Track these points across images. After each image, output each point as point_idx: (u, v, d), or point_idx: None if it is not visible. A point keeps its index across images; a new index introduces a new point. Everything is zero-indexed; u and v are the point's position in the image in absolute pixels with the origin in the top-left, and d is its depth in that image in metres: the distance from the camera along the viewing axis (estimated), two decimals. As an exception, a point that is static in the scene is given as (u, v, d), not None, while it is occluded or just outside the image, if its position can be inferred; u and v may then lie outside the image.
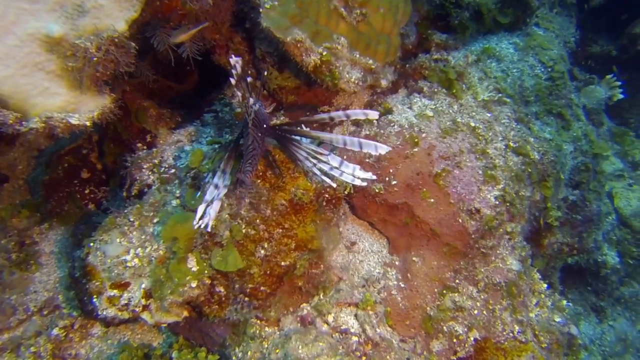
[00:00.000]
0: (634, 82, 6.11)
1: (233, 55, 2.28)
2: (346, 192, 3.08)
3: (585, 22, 5.80)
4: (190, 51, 2.87)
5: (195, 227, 2.23)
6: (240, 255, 2.56)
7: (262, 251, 2.56)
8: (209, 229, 2.24)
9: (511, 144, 3.31)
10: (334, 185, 2.44)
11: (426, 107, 3.32)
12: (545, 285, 3.40)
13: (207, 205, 2.23)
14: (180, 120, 3.57)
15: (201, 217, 2.22)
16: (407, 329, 3.14)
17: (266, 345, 2.58)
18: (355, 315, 2.87)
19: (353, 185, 2.61)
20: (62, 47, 2.36)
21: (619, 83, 5.23)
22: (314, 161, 2.32)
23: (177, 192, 2.92)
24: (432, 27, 3.72)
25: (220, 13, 3.10)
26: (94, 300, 2.59)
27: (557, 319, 3.26)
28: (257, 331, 2.66)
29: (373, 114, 2.17)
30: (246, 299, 2.63)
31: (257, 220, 2.56)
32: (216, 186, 2.25)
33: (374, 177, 2.23)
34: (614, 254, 5.30)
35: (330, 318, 2.81)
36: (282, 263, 2.60)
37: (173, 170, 3.05)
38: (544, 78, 3.56)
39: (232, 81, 2.35)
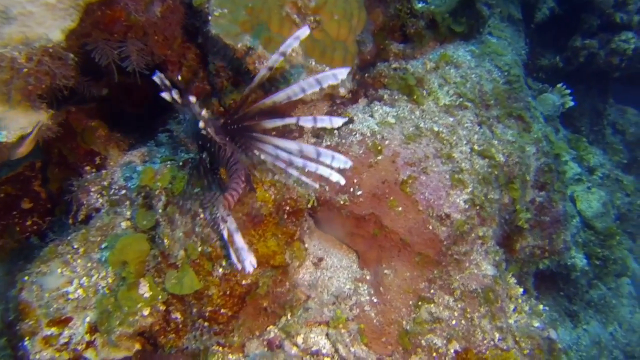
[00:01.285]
0: (581, 92, 6.35)
1: (157, 72, 2.09)
2: (309, 206, 2.93)
3: (532, 37, 6.02)
4: (136, 65, 2.71)
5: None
6: (197, 275, 2.35)
7: (220, 269, 2.36)
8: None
9: (476, 147, 3.27)
10: (316, 185, 2.24)
11: (388, 115, 3.26)
12: (522, 290, 3.30)
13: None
14: (134, 142, 3.37)
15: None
16: (383, 346, 2.96)
17: (230, 375, 2.34)
18: (327, 335, 2.67)
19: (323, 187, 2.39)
20: (-14, 57, 2.17)
21: (569, 91, 5.41)
22: (286, 159, 2.07)
23: (128, 213, 2.70)
24: (389, 37, 3.72)
25: (170, 27, 2.97)
26: (25, 343, 2.28)
27: (536, 324, 3.15)
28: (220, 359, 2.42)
29: (338, 121, 2.03)
30: (205, 323, 2.39)
31: (213, 237, 2.37)
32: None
33: (350, 163, 1.99)
34: (582, 257, 5.32)
35: (299, 339, 2.60)
36: (243, 282, 2.40)
37: (123, 192, 2.83)
38: (501, 82, 3.58)
39: (165, 96, 2.16)
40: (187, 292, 2.32)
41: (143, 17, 2.66)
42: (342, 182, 1.99)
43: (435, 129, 3.22)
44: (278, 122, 2.13)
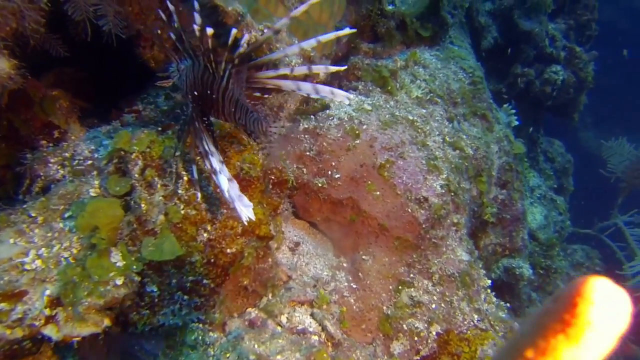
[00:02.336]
0: (520, 115, 6.92)
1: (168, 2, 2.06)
2: (288, 186, 2.84)
3: (481, 62, 6.54)
4: (113, 27, 2.55)
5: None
6: (179, 241, 2.15)
7: (205, 234, 2.18)
8: (225, 194, 1.80)
9: (447, 139, 3.40)
10: (347, 101, 2.15)
11: (364, 102, 3.31)
12: (489, 282, 3.38)
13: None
14: (96, 120, 3.12)
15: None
16: (363, 333, 2.86)
17: (212, 352, 2.11)
18: (312, 314, 2.53)
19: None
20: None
21: (514, 111, 5.87)
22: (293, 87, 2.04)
23: (96, 182, 2.45)
24: (359, 36, 3.84)
25: (148, -4, 2.86)
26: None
27: (502, 315, 3.22)
28: (200, 337, 2.18)
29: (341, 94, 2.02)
30: (185, 296, 2.17)
31: (199, 199, 2.21)
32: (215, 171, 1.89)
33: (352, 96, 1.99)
34: (528, 266, 5.60)
35: (283, 319, 2.43)
36: (228, 250, 2.23)
37: (90, 162, 2.57)
38: (466, 82, 3.81)
39: (173, 36, 2.12)
40: (168, 257, 2.10)
41: (123, -27, 2.54)
42: (347, 100, 1.98)
43: (410, 117, 3.31)
44: (271, 73, 2.08)
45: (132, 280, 2.13)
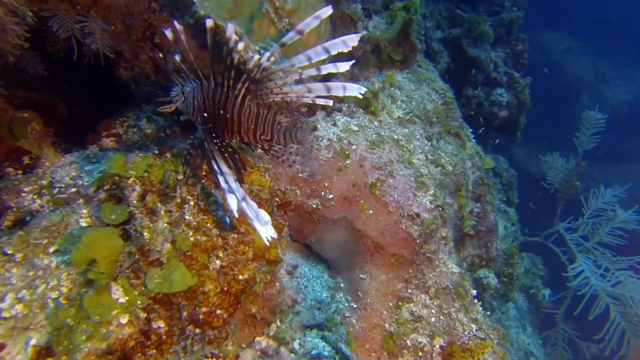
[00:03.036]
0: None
1: (175, 22, 1.97)
2: (292, 208, 2.77)
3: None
4: (101, 45, 2.39)
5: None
6: (189, 270, 2.00)
7: (218, 261, 2.04)
8: (235, 214, 1.70)
9: (429, 156, 3.51)
10: (361, 93, 2.08)
11: (350, 123, 3.35)
12: (475, 292, 3.48)
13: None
14: (70, 145, 2.87)
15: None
16: (367, 353, 2.80)
17: (231, 388, 1.95)
18: (323, 338, 2.44)
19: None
20: None
21: (470, 130, 6.20)
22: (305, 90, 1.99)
23: (84, 211, 2.23)
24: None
25: (132, 16, 2.73)
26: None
27: (491, 323, 3.32)
28: (215, 373, 2.01)
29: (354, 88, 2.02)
30: (197, 330, 2.00)
31: (208, 224, 2.07)
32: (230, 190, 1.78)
33: (364, 89, 1.98)
34: (493, 276, 5.85)
35: (295, 345, 2.33)
36: (240, 277, 2.11)
37: (74, 189, 2.34)
38: (440, 102, 3.98)
39: (177, 58, 2.02)
40: (179, 289, 1.94)
41: (111, -7, 2.41)
42: (363, 90, 1.94)
43: (395, 137, 3.39)
44: (280, 81, 2.02)
45: (138, 317, 1.95)
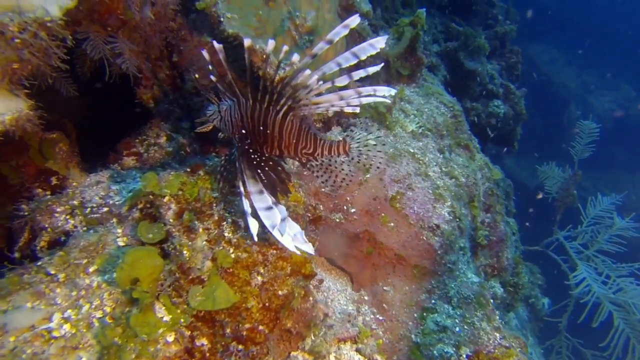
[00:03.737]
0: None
1: (214, 42, 2.01)
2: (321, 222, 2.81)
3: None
4: (130, 65, 2.43)
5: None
6: (231, 287, 2.01)
7: (259, 277, 2.06)
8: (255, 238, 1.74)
9: (443, 169, 3.58)
10: (389, 99, 2.13)
11: (367, 137, 3.40)
12: (492, 301, 3.53)
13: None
14: (90, 165, 2.88)
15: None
16: (394, 365, 2.82)
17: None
18: (357, 350, 2.46)
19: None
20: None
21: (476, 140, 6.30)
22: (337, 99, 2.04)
23: (119, 230, 2.24)
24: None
25: (154, 35, 2.77)
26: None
27: (512, 332, 3.36)
28: (259, 390, 2.01)
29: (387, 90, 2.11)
30: (240, 346, 2.01)
31: (249, 240, 2.10)
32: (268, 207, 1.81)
33: (394, 91, 2.07)
34: (499, 285, 5.90)
35: (332, 358, 2.34)
36: (280, 292, 2.12)
37: (105, 209, 2.35)
38: (449, 116, 4.08)
39: (213, 78, 2.07)
40: (223, 306, 1.96)
41: (138, 15, 2.46)
42: (393, 92, 2.04)
43: (411, 150, 3.46)
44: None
45: (183, 335, 1.95)
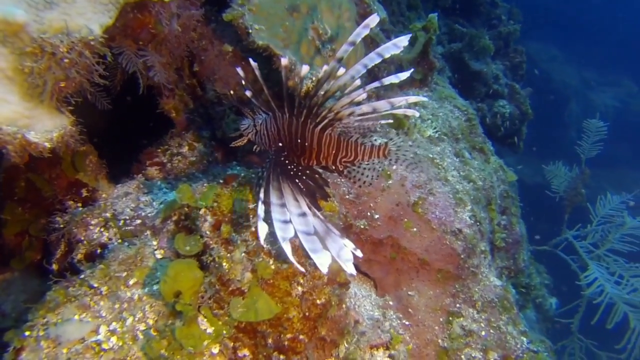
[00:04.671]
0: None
1: (251, 60, 2.04)
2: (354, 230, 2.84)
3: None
4: (161, 77, 2.45)
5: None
6: (272, 298, 2.03)
7: (299, 287, 2.08)
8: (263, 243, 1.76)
9: (461, 173, 3.61)
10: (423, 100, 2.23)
11: (404, 141, 3.43)
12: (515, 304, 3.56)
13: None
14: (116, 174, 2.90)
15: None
16: (423, 370, 2.85)
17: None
18: (390, 357, 2.49)
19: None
20: (21, 39, 1.77)
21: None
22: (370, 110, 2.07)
23: (154, 242, 2.25)
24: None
25: (179, 47, 2.79)
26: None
27: (535, 335, 3.40)
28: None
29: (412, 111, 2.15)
30: (281, 356, 2.03)
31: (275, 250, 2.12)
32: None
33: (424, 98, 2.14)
34: (511, 287, 5.94)
35: (367, 366, 2.37)
36: (318, 301, 2.15)
37: (139, 221, 2.37)
38: (463, 119, 4.11)
39: (248, 93, 2.10)
40: (265, 317, 1.98)
41: (167, 28, 2.48)
42: (424, 99, 2.15)
43: (430, 155, 3.49)
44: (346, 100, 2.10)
45: (227, 346, 1.97)
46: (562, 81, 15.19)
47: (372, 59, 2.05)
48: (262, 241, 1.78)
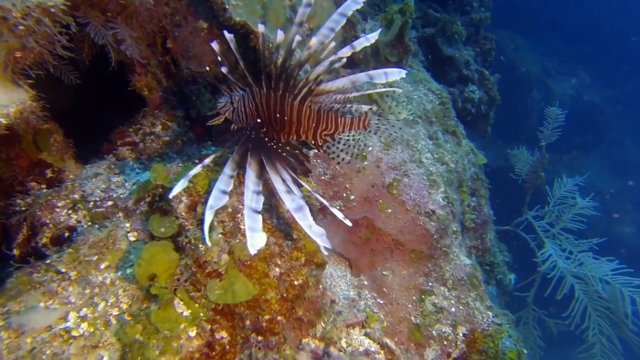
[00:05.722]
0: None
1: (226, 32, 2.00)
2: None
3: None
4: (132, 51, 2.33)
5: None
6: (250, 280, 2.02)
7: (277, 269, 2.07)
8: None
9: (434, 155, 3.67)
10: (402, 76, 2.25)
11: (389, 110, 3.43)
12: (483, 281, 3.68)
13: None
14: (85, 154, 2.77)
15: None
16: (396, 345, 2.92)
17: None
18: (366, 334, 2.53)
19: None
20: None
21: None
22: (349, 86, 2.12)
23: (127, 224, 2.18)
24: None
25: (151, 21, 2.66)
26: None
27: (499, 309, 3.55)
28: (280, 378, 2.05)
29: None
30: (260, 337, 2.03)
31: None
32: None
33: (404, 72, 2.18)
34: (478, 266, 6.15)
35: (343, 344, 2.40)
36: (296, 282, 2.15)
37: (110, 203, 2.28)
38: (437, 103, 4.16)
39: (224, 70, 2.04)
40: (243, 299, 1.96)
41: (138, 0, 2.36)
42: (404, 73, 2.25)
43: (405, 137, 3.52)
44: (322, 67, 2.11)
45: (205, 329, 1.95)
46: (526, 69, 15.62)
47: (337, 21, 2.11)
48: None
